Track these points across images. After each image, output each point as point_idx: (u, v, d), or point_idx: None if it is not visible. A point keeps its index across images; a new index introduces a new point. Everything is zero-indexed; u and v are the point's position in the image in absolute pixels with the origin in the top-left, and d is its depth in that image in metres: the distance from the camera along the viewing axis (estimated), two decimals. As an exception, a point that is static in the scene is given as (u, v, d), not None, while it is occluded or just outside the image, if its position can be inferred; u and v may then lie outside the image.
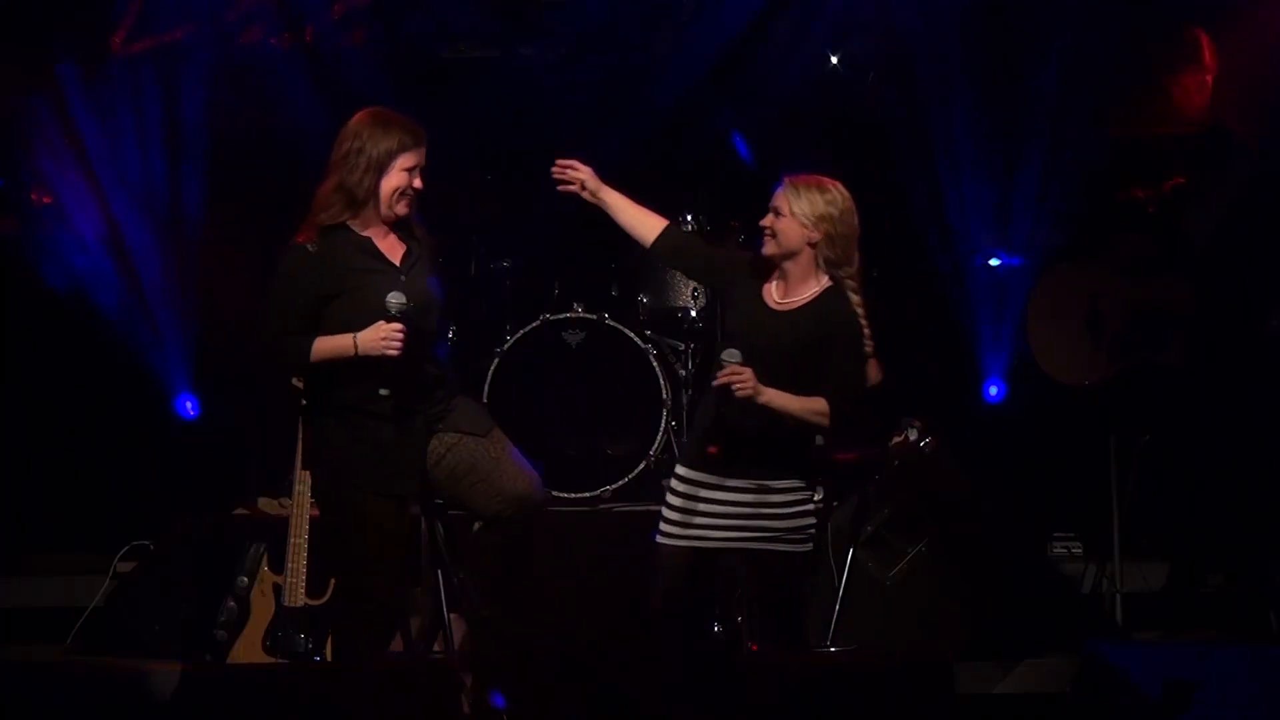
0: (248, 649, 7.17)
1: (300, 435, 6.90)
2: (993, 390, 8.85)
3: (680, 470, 6.30)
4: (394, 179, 6.31)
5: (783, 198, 6.20)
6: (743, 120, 9.36)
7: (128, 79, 9.28)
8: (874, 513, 7.80)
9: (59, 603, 8.27)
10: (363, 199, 6.30)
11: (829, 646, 7.34)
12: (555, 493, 8.39)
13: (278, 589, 7.19)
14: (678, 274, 8.70)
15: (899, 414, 8.22)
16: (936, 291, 9.01)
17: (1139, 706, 6.93)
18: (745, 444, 6.11)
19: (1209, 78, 8.53)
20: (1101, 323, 8.30)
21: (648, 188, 8.76)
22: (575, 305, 8.67)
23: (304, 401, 6.43)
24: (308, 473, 7.20)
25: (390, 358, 6.12)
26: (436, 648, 7.15)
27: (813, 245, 6.17)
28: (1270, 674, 6.94)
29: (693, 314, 8.77)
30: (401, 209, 6.36)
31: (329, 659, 7.15)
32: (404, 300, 6.14)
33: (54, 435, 9.18)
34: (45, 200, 9.24)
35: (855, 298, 6.22)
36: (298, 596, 7.17)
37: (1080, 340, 8.28)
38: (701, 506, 6.17)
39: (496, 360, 8.55)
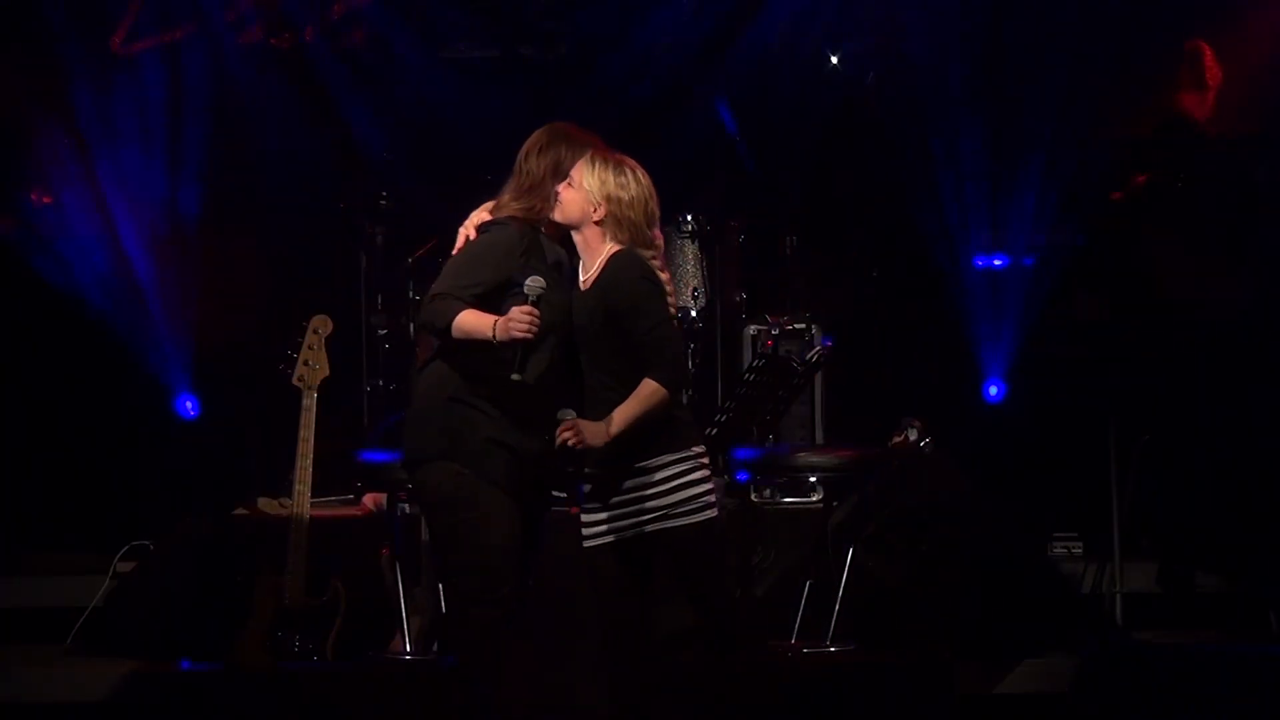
0: (248, 649, 7.17)
1: (418, 429, 6.62)
2: (993, 390, 8.86)
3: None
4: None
5: (577, 169, 6.17)
6: (743, 124, 9.37)
7: (127, 79, 9.28)
8: (874, 513, 7.80)
9: (59, 603, 8.26)
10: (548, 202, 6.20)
11: (829, 647, 7.35)
12: (555, 493, 8.39)
13: (278, 589, 7.19)
14: (678, 274, 8.71)
15: (899, 414, 8.24)
16: (936, 291, 9.02)
17: (1139, 706, 6.95)
18: (612, 455, 6.06)
19: (1210, 95, 8.55)
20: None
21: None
22: (575, 305, 8.65)
23: (435, 393, 6.25)
24: (308, 472, 7.21)
25: (518, 340, 5.97)
26: (436, 648, 7.17)
27: (598, 223, 6.13)
28: (1270, 674, 6.95)
29: (693, 314, 8.77)
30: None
31: (329, 659, 7.16)
32: (543, 285, 6.09)
33: (54, 435, 9.18)
34: (45, 200, 9.24)
35: (653, 262, 6.13)
36: (298, 596, 7.17)
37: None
38: (596, 506, 6.14)
39: (496, 360, 8.53)
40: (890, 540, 7.77)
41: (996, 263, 9.06)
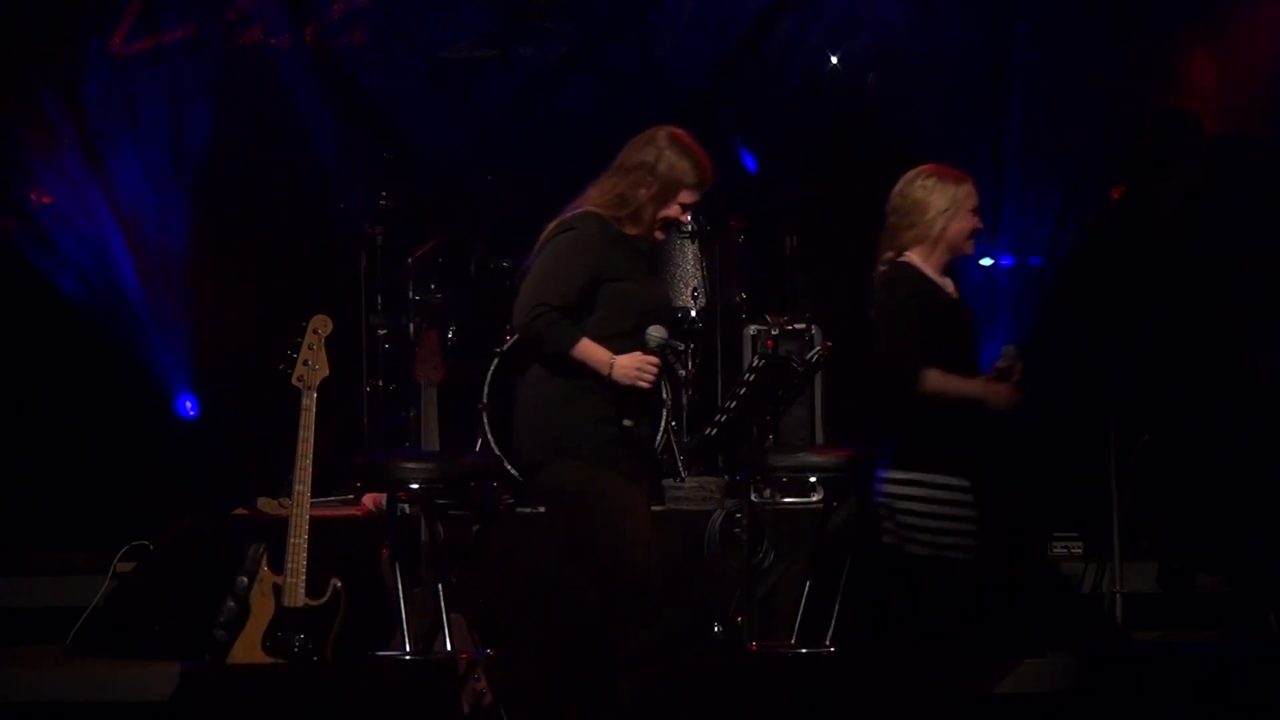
0: (248, 649, 7.16)
1: (542, 428, 6.48)
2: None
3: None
4: (670, 209, 6.34)
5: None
6: (743, 124, 9.37)
7: (127, 79, 9.28)
8: (874, 513, 7.80)
9: (59, 603, 8.26)
10: (633, 212, 6.29)
11: (829, 647, 7.34)
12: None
13: (278, 589, 7.19)
14: (677, 274, 8.71)
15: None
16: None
17: (1139, 706, 6.94)
18: None
19: (1208, 104, 8.56)
20: None
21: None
22: (575, 305, 8.65)
23: (543, 394, 6.29)
24: (308, 472, 7.21)
25: (640, 389, 6.14)
26: (436, 648, 7.16)
27: None
28: (1270, 674, 6.94)
29: (693, 314, 8.77)
30: (660, 235, 6.40)
31: (329, 659, 7.15)
32: (665, 336, 6.18)
33: (54, 435, 9.18)
34: (45, 200, 9.24)
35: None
36: (298, 596, 7.17)
37: None
38: None
39: (496, 360, 8.54)
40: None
41: (989, 262, 9.06)
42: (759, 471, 7.72)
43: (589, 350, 6.15)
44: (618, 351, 6.15)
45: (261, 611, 7.19)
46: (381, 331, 9.02)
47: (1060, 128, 9.00)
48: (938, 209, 6.87)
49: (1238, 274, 8.21)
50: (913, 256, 6.93)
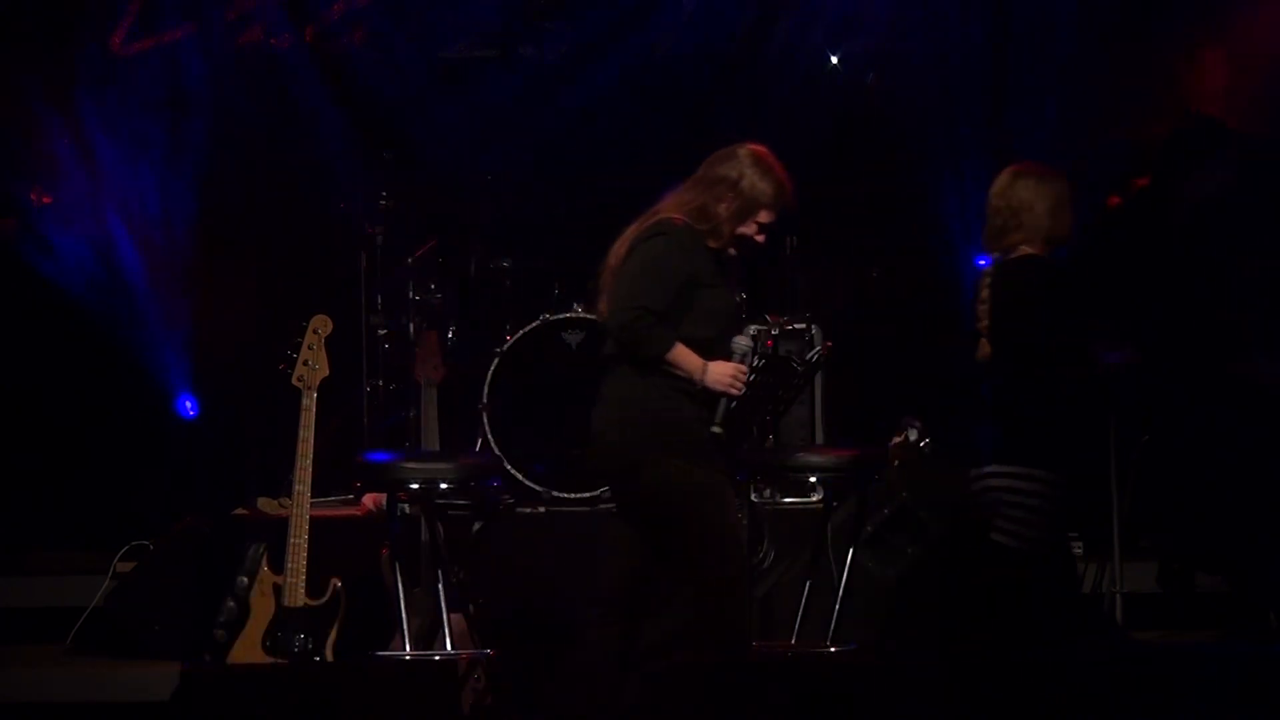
0: (248, 649, 7.17)
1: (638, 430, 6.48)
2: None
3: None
4: (748, 226, 6.40)
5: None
6: (744, 124, 9.36)
7: (127, 79, 9.28)
8: (874, 513, 7.80)
9: (59, 603, 8.26)
10: (713, 227, 6.36)
11: (829, 647, 7.34)
12: (555, 493, 8.39)
13: (278, 589, 7.19)
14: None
15: (899, 414, 8.23)
16: (936, 291, 9.01)
17: (1136, 706, 6.93)
18: None
19: (1211, 104, 8.55)
20: None
21: (648, 187, 8.74)
22: (575, 305, 8.66)
23: (634, 393, 6.35)
24: (308, 472, 7.21)
25: (731, 396, 6.25)
26: (436, 648, 7.16)
27: None
28: (1270, 674, 6.94)
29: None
30: (733, 250, 6.45)
31: (329, 659, 7.15)
32: (751, 345, 6.26)
33: (54, 435, 9.18)
34: (45, 200, 9.24)
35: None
36: (298, 596, 7.17)
37: None
38: None
39: (496, 360, 8.54)
40: (890, 540, 7.77)
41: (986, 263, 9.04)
42: (759, 471, 7.72)
43: (683, 355, 6.26)
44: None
45: (261, 611, 7.19)
46: (381, 331, 9.02)
47: (1060, 128, 8.99)
48: (1045, 207, 6.91)
49: (1238, 274, 8.21)
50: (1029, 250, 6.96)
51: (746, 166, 6.36)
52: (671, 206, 6.38)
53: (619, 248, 6.38)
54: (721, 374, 6.26)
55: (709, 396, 6.29)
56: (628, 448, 6.30)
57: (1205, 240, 8.26)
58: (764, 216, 6.40)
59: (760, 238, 6.47)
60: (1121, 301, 8.35)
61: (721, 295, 6.40)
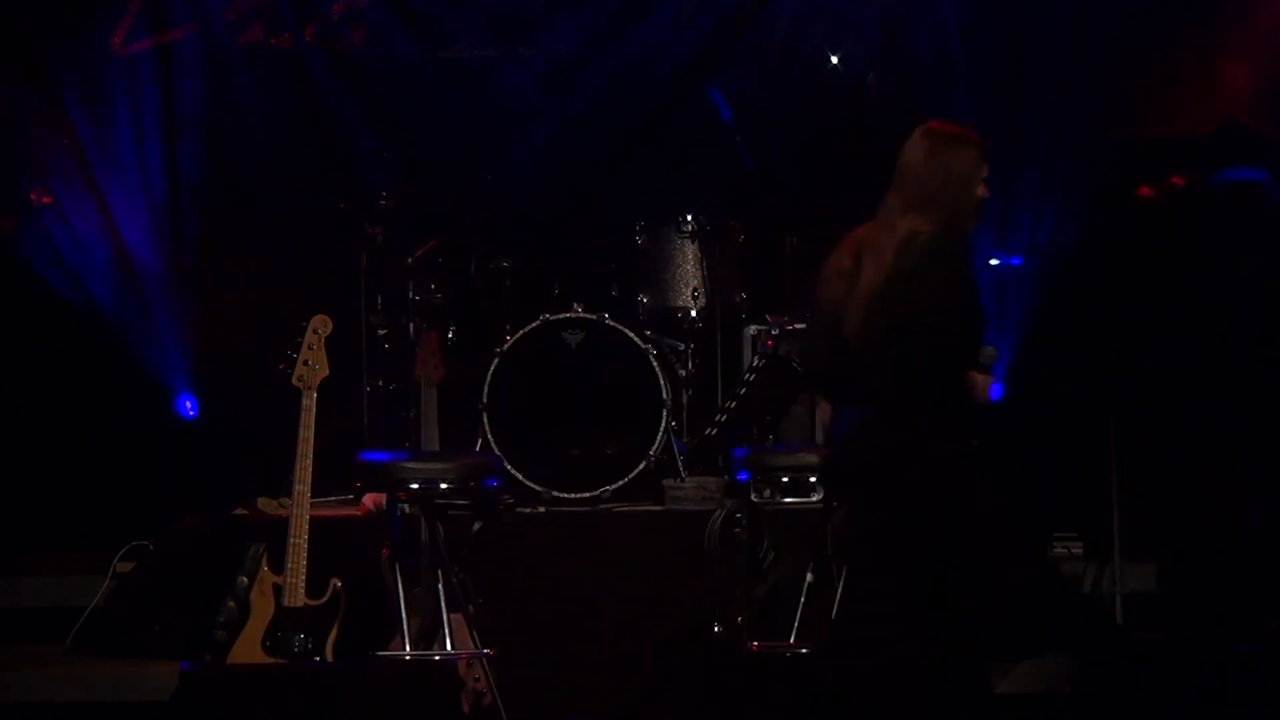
0: (248, 649, 7.17)
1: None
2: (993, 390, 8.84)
3: None
4: (980, 189, 6.33)
5: None
6: (744, 125, 9.37)
7: (127, 79, 9.28)
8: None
9: (59, 603, 8.26)
10: (956, 212, 6.27)
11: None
12: (555, 493, 8.39)
13: (278, 589, 7.19)
14: (677, 274, 8.72)
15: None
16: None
17: (1139, 706, 6.94)
18: None
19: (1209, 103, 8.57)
20: None
21: (648, 187, 8.79)
22: (575, 305, 8.66)
23: (930, 400, 6.34)
24: (308, 472, 7.21)
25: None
26: (436, 648, 7.16)
27: None
28: (1270, 674, 6.94)
29: (693, 314, 8.77)
30: (978, 220, 6.37)
31: (329, 659, 7.16)
32: (995, 353, 6.33)
33: (54, 435, 9.18)
34: (45, 200, 9.24)
35: None
36: (298, 596, 7.17)
37: None
38: None
39: (496, 360, 8.54)
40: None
41: (995, 262, 9.05)
42: (759, 471, 7.71)
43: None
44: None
45: (261, 611, 7.20)
46: (381, 331, 9.02)
47: (1060, 128, 8.99)
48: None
49: (1238, 274, 8.21)
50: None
51: (941, 147, 6.25)
52: (900, 208, 6.26)
53: (907, 256, 6.22)
54: (983, 386, 6.34)
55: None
56: (893, 456, 6.41)
57: (1200, 239, 8.26)
58: (983, 172, 6.33)
59: (985, 190, 6.37)
60: (1142, 296, 8.35)
61: None
